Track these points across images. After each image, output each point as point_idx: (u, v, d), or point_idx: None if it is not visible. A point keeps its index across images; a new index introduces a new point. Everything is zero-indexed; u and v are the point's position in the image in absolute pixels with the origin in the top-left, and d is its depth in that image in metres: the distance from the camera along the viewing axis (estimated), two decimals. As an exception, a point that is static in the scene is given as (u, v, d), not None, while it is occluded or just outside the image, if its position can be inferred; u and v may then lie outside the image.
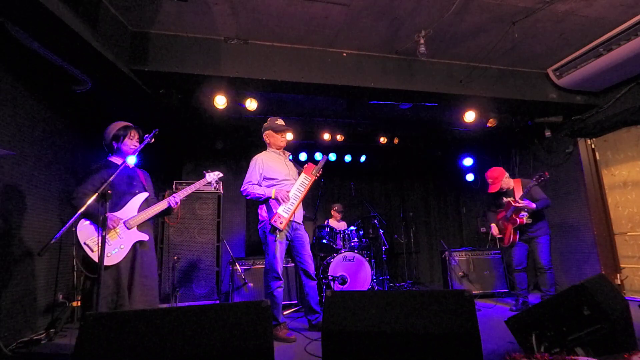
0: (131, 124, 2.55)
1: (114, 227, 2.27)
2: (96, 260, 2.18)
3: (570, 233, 4.88)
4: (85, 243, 2.20)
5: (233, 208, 5.60)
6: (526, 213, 3.64)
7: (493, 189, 3.86)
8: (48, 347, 2.85)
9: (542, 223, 3.72)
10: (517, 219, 3.66)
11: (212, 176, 2.82)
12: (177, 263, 4.05)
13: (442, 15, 3.05)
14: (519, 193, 3.72)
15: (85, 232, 2.22)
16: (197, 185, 2.68)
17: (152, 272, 2.44)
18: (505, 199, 3.81)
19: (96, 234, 2.23)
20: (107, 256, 2.21)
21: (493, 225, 3.96)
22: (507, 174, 3.90)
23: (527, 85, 4.14)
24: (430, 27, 3.18)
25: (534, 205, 3.58)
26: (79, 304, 3.38)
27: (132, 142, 2.50)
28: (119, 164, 2.47)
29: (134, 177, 2.53)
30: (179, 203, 2.55)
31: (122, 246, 2.28)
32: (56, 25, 2.44)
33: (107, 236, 2.23)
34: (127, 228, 2.34)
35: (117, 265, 2.25)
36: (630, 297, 4.20)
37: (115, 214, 2.31)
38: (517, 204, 3.62)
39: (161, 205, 2.47)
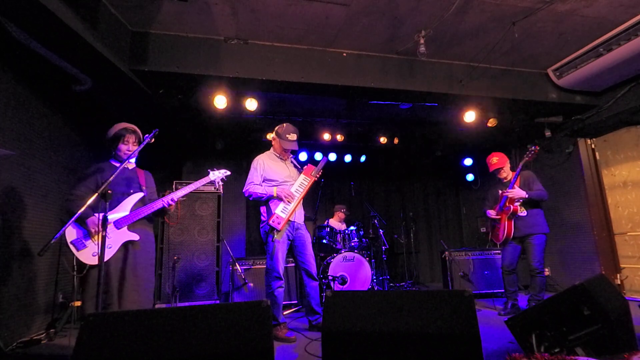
0: (129, 127, 2.51)
1: (95, 232, 2.25)
2: (81, 259, 2.20)
3: (570, 233, 4.88)
4: (70, 242, 2.20)
5: (233, 208, 5.60)
6: (519, 201, 3.50)
7: (494, 167, 3.72)
8: (48, 347, 2.85)
9: (538, 219, 3.52)
10: (511, 207, 3.50)
11: (217, 174, 2.72)
12: (177, 263, 4.05)
13: (442, 15, 3.05)
14: (516, 184, 3.57)
15: (71, 232, 2.23)
16: (198, 184, 2.59)
17: (144, 273, 2.40)
18: (500, 191, 3.66)
19: (82, 234, 2.24)
20: (92, 256, 2.20)
21: (490, 211, 3.73)
22: (509, 164, 3.79)
23: (527, 85, 4.14)
24: (430, 27, 3.18)
25: (524, 194, 3.42)
26: (79, 304, 3.38)
27: (126, 146, 2.46)
28: (117, 166, 2.46)
29: (131, 178, 2.51)
30: (174, 203, 2.49)
31: (109, 246, 2.25)
32: (56, 25, 2.44)
33: (91, 237, 2.24)
34: (117, 228, 2.31)
35: (105, 265, 2.24)
36: (630, 297, 4.21)
37: (99, 214, 2.26)
38: (507, 193, 3.49)
39: (154, 206, 2.44)
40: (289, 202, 3.03)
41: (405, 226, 6.50)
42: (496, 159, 3.76)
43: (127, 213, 2.38)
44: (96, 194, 1.97)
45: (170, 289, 3.96)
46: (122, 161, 2.48)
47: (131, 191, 2.46)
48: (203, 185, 2.63)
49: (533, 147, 3.53)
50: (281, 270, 3.01)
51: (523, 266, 3.83)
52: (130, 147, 2.49)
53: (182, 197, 2.55)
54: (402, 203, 7.05)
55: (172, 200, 2.46)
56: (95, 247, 2.21)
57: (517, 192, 3.45)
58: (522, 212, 3.53)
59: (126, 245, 2.35)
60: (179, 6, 2.95)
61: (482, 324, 1.63)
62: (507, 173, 3.76)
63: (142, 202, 2.49)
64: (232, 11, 3.06)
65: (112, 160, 2.52)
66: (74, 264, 2.30)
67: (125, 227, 2.35)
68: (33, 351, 2.73)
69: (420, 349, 1.53)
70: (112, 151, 2.49)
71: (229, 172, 2.80)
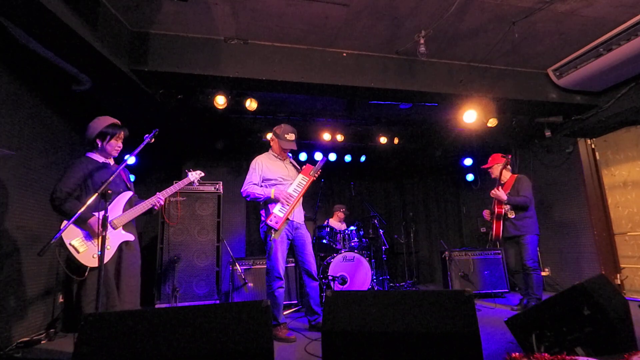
0: (119, 123, 2.44)
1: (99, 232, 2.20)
2: (82, 262, 2.14)
3: (570, 233, 4.88)
4: (70, 244, 2.14)
5: (233, 208, 5.59)
6: (507, 205, 3.75)
7: (485, 166, 4.07)
8: (48, 347, 2.85)
9: (528, 221, 3.71)
10: (496, 208, 3.78)
11: (195, 175, 2.84)
12: (177, 263, 4.05)
13: (442, 15, 3.05)
14: (509, 187, 3.84)
15: (70, 232, 2.16)
16: (181, 185, 2.73)
17: (137, 273, 2.41)
18: None
19: (82, 235, 2.19)
20: (92, 257, 2.17)
21: (485, 211, 4.04)
22: (503, 163, 3.94)
23: (527, 85, 4.14)
24: (430, 27, 3.18)
25: (504, 197, 3.68)
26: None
27: (117, 143, 2.42)
28: (100, 161, 2.40)
29: (118, 176, 2.45)
30: (163, 202, 2.54)
31: (108, 247, 2.22)
32: (56, 25, 2.44)
33: (93, 238, 2.21)
34: (113, 228, 2.29)
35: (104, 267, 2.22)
36: (630, 297, 4.20)
37: (99, 213, 2.21)
38: (492, 193, 3.79)
39: (145, 205, 2.43)
40: (287, 204, 3.03)
41: (405, 226, 6.51)
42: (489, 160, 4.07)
43: (120, 213, 2.35)
44: (96, 194, 1.96)
45: (170, 289, 3.96)
46: (108, 157, 2.45)
47: (120, 190, 2.42)
48: (186, 185, 2.79)
49: (506, 156, 3.88)
50: (281, 270, 3.00)
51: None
52: (120, 144, 2.46)
53: (168, 196, 2.63)
54: (402, 203, 7.05)
55: (159, 202, 2.49)
56: (97, 249, 2.17)
57: (497, 194, 3.75)
58: (511, 215, 3.76)
59: (120, 246, 2.33)
60: (178, 6, 2.94)
61: (482, 324, 1.63)
62: (497, 171, 3.97)
63: (130, 201, 2.46)
64: (232, 11, 3.06)
65: (91, 154, 2.40)
66: (71, 266, 2.24)
67: (121, 227, 2.33)
68: (33, 351, 2.73)
69: (420, 349, 1.53)
70: (99, 145, 2.38)
71: (203, 174, 2.94)
